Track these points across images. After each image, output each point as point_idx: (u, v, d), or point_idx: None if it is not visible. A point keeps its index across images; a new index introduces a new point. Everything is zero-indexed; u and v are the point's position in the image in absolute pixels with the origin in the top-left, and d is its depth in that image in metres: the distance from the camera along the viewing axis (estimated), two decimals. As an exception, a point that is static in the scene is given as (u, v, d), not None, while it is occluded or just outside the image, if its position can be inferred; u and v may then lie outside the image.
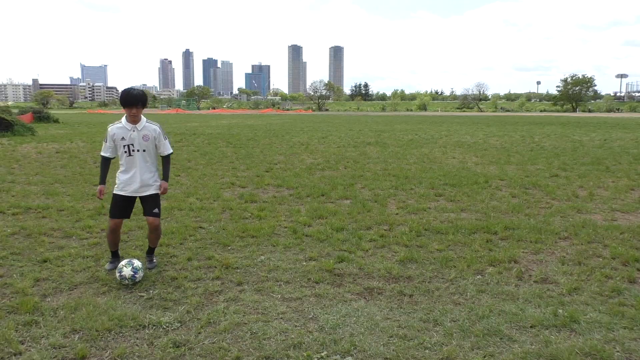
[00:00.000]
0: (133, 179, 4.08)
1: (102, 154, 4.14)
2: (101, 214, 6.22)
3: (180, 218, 6.01)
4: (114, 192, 4.16)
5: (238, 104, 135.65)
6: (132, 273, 3.78)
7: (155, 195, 4.19)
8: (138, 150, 4.04)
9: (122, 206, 4.15)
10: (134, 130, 4.01)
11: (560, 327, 3.16)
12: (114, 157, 4.16)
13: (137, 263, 3.86)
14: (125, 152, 4.04)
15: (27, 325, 3.15)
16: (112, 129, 4.05)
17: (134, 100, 3.91)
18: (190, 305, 3.47)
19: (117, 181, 4.16)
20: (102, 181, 4.23)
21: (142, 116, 4.08)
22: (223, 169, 10.47)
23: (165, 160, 4.26)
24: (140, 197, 4.15)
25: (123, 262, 3.86)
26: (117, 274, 3.81)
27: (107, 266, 4.20)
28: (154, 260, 4.33)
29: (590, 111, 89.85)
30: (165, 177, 4.25)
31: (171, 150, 4.28)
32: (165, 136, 4.20)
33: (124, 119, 4.05)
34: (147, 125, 4.10)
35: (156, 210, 4.19)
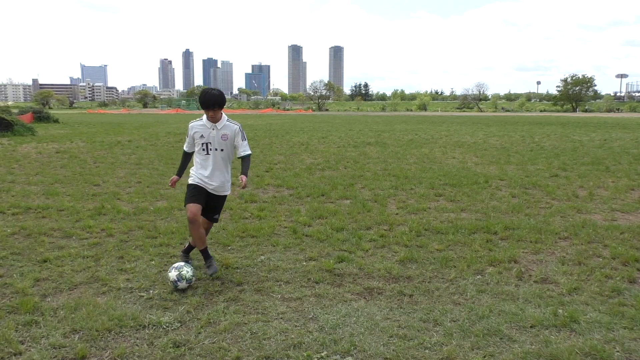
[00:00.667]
0: (212, 177, 4.02)
1: (184, 147, 4.20)
2: (101, 213, 6.22)
3: (180, 218, 6.01)
4: (190, 182, 4.04)
5: (238, 104, 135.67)
6: (175, 279, 3.68)
7: (223, 199, 4.18)
8: (216, 150, 3.99)
9: (198, 192, 3.99)
10: (213, 129, 3.96)
11: (560, 327, 3.16)
12: (193, 152, 4.15)
13: (185, 271, 3.71)
14: (203, 149, 4.00)
15: (27, 325, 3.15)
16: (193, 125, 4.04)
17: (211, 103, 3.86)
18: (190, 305, 3.47)
19: (193, 174, 4.07)
20: (179, 173, 4.23)
21: (224, 114, 4.03)
22: (223, 169, 10.46)
23: (245, 160, 4.11)
24: (210, 197, 4.07)
25: (178, 265, 3.76)
26: (171, 273, 3.71)
27: (209, 271, 3.99)
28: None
29: (586, 111, 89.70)
30: (244, 172, 4.06)
31: (250, 152, 4.17)
32: (244, 137, 4.11)
33: (204, 116, 4.01)
34: (227, 124, 4.03)
35: (217, 216, 4.21)
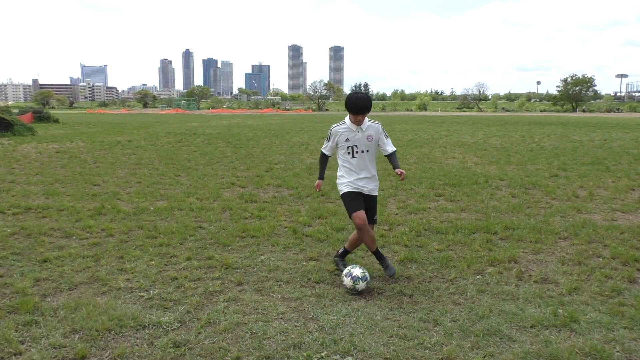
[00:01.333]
0: (364, 179, 3.97)
1: (323, 150, 4.11)
2: (101, 214, 6.22)
3: (181, 218, 6.01)
4: (345, 191, 3.97)
5: (238, 104, 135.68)
6: (352, 282, 3.68)
7: (376, 199, 4.12)
8: (363, 152, 3.96)
9: (356, 198, 3.94)
10: (358, 132, 3.92)
11: (560, 327, 3.16)
12: (331, 156, 4.11)
13: (356, 272, 3.70)
14: (349, 153, 3.95)
15: (27, 325, 3.15)
16: (337, 129, 3.97)
17: (362, 109, 3.79)
18: (190, 305, 3.47)
19: (344, 181, 4.00)
20: (321, 176, 4.19)
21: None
22: (223, 169, 10.47)
23: (393, 156, 4.11)
24: (366, 198, 4.01)
25: (347, 272, 3.74)
26: (349, 278, 3.69)
27: (388, 272, 3.94)
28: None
29: (584, 111, 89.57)
30: (398, 166, 4.09)
31: (395, 148, 4.15)
32: (386, 134, 4.10)
33: (347, 119, 3.95)
34: (370, 125, 3.99)
35: (376, 217, 4.14)
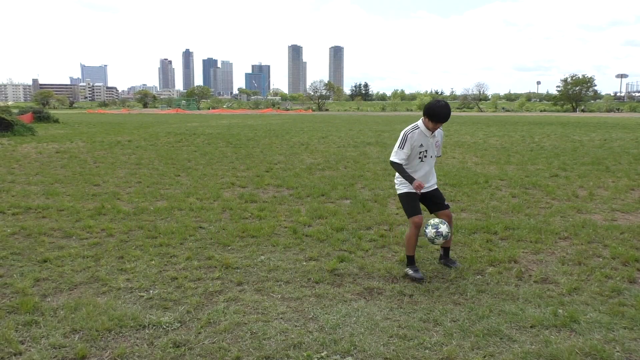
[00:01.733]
0: (425, 178, 4.06)
1: (397, 160, 3.97)
2: (101, 213, 6.22)
3: (180, 218, 6.01)
4: (405, 191, 4.02)
5: (238, 104, 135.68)
6: (435, 232, 3.87)
7: (437, 189, 4.23)
8: (431, 157, 4.06)
9: (415, 199, 4.04)
10: (432, 137, 4.00)
11: (560, 327, 3.16)
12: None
13: (443, 228, 3.90)
14: (419, 158, 4.00)
15: (27, 325, 3.15)
16: (413, 135, 3.93)
17: (444, 118, 3.82)
18: (190, 305, 3.47)
19: (404, 182, 4.04)
20: (413, 177, 3.98)
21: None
22: (223, 169, 10.47)
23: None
24: (426, 195, 4.12)
25: (436, 222, 3.93)
26: (434, 230, 3.87)
27: (413, 274, 4.02)
28: (457, 262, 4.25)
29: (584, 111, 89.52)
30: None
31: (440, 154, 4.29)
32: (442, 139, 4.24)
33: (421, 123, 3.95)
34: (438, 131, 4.09)
35: (446, 202, 4.23)
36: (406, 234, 4.15)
